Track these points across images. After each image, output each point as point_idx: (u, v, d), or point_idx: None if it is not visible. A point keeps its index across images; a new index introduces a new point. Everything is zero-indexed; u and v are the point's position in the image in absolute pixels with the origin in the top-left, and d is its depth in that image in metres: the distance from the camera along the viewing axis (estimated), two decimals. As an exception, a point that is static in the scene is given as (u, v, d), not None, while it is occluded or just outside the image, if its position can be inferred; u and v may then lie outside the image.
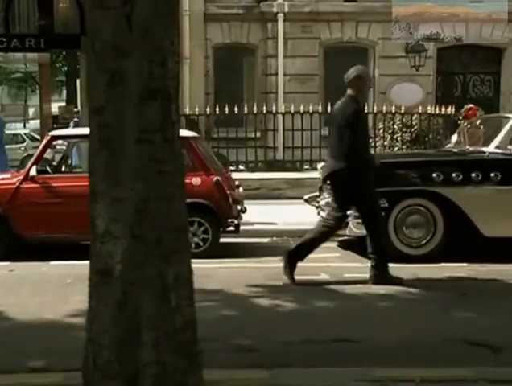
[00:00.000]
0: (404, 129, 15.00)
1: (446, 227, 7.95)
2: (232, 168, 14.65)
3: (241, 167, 14.68)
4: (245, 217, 9.46)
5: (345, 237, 8.97)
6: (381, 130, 15.04)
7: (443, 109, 15.08)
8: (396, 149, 14.62)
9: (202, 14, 17.55)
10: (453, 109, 15.10)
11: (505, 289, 6.86)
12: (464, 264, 7.83)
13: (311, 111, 14.70)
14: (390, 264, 7.58)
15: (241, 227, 9.65)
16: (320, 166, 8.46)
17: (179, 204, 2.61)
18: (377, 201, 7.01)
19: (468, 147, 8.86)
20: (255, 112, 15.19)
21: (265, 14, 17.55)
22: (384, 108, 15.25)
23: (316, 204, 8.72)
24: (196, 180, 8.09)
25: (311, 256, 8.11)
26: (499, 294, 6.64)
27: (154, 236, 2.52)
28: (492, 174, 7.90)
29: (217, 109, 15.41)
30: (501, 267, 7.70)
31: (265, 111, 15.20)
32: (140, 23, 2.49)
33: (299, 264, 7.68)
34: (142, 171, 2.51)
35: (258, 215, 10.49)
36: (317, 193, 9.17)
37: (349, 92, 6.89)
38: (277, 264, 7.77)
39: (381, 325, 5.52)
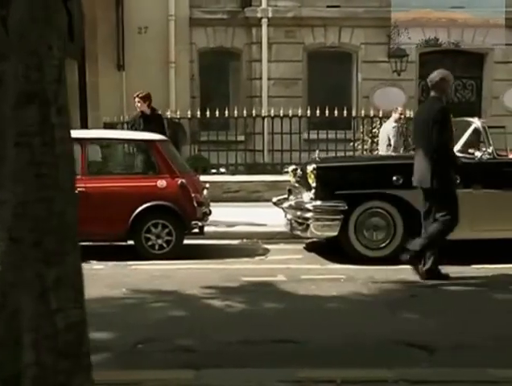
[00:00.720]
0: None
1: (405, 230, 7.92)
2: (213, 171, 14.72)
3: (222, 170, 14.68)
4: (218, 219, 9.49)
5: (314, 239, 8.97)
6: (363, 134, 15.00)
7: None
8: (376, 152, 14.59)
9: (187, 19, 17.51)
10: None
11: (454, 290, 6.83)
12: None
13: (294, 114, 14.69)
14: (349, 266, 7.62)
15: (213, 229, 9.70)
16: (290, 168, 8.44)
17: (63, 207, 2.58)
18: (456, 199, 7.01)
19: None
20: (240, 115, 15.17)
21: (249, 19, 17.52)
22: (363, 112, 15.26)
23: (282, 206, 8.68)
24: (161, 183, 8.11)
25: (272, 257, 8.16)
26: (447, 296, 6.66)
27: (32, 238, 2.51)
28: (452, 178, 7.85)
29: (199, 113, 15.45)
30: (458, 269, 7.68)
31: (249, 114, 15.19)
32: (16, 27, 2.48)
33: (258, 265, 7.71)
34: (21, 174, 2.50)
35: (233, 217, 10.55)
36: (286, 196, 9.16)
37: (434, 94, 7.10)
38: (237, 265, 7.79)
39: (325, 326, 5.53)
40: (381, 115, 14.79)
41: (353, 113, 15.67)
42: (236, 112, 15.09)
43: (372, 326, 5.52)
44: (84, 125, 16.98)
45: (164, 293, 6.53)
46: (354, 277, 7.29)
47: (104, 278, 7.17)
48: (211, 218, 8.88)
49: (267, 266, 7.84)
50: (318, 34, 17.89)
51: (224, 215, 10.78)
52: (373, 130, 15.04)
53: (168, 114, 14.60)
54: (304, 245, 9.13)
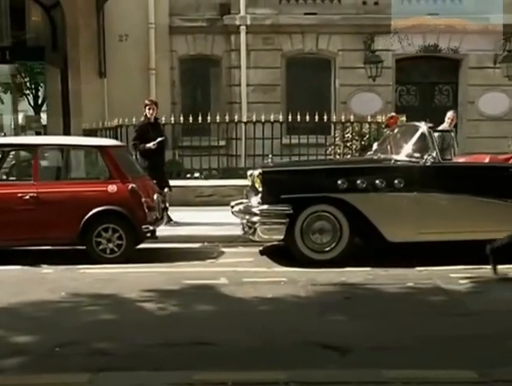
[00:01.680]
0: (357, 138, 14.92)
1: (351, 233, 7.91)
2: (188, 175, 14.72)
3: (196, 175, 14.68)
4: (187, 222, 9.88)
5: (271, 243, 8.95)
6: (337, 139, 14.99)
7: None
8: (348, 156, 14.57)
9: (167, 27, 17.56)
10: (404, 118, 15.02)
11: (391, 292, 6.80)
12: (368, 269, 7.78)
13: (273, 120, 14.68)
14: (296, 269, 7.61)
15: (175, 233, 9.71)
16: (249, 173, 8.43)
17: None
18: None
19: (379, 155, 8.82)
20: (220, 121, 15.17)
21: (228, 26, 17.55)
22: (334, 117, 15.25)
23: (233, 210, 8.65)
24: (112, 188, 8.11)
25: (223, 260, 8.16)
26: (382, 298, 6.63)
27: None
28: (395, 181, 7.87)
29: (182, 119, 15.43)
30: (401, 271, 7.68)
31: (229, 120, 15.20)
32: None
33: (205, 269, 7.71)
34: None
35: (200, 220, 10.57)
36: (244, 200, 9.15)
37: None
38: (185, 268, 7.79)
39: (249, 328, 5.52)
40: (352, 120, 14.69)
41: (331, 119, 15.62)
42: (217, 117, 15.05)
43: (295, 328, 5.50)
44: (67, 132, 17.03)
45: (102, 296, 6.52)
46: (296, 279, 7.27)
47: (48, 282, 7.18)
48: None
49: (214, 269, 7.83)
50: (296, 41, 17.90)
51: (192, 219, 10.83)
52: (346, 135, 15.00)
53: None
54: (260, 248, 9.08)
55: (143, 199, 8.11)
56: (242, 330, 5.46)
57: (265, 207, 7.87)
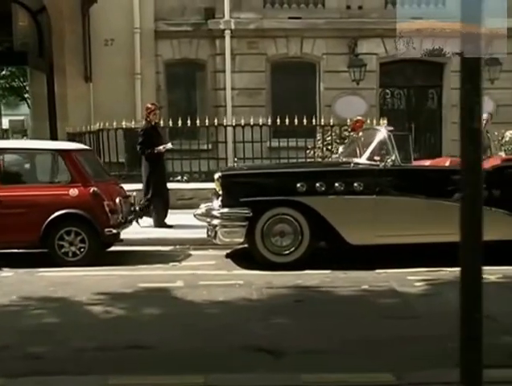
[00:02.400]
0: (338, 141, 14.86)
1: (312, 236, 7.86)
2: (170, 178, 14.65)
3: (178, 178, 14.64)
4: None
5: (241, 246, 8.89)
6: (314, 142, 14.96)
7: (380, 121, 14.94)
8: (328, 158, 14.51)
9: (152, 31, 17.56)
10: (385, 121, 14.98)
11: (343, 295, 6.75)
12: (327, 271, 7.73)
13: (259, 123, 14.66)
14: (256, 272, 7.57)
15: (147, 236, 9.68)
16: (216, 176, 8.39)
17: None
18: None
19: (342, 158, 8.78)
20: (205, 124, 15.15)
21: (212, 31, 17.54)
22: (318, 120, 15.20)
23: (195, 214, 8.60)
24: (74, 191, 8.09)
25: (186, 263, 8.12)
26: (333, 301, 6.58)
27: None
28: (355, 184, 7.82)
29: (169, 122, 15.42)
30: (360, 274, 7.63)
31: (214, 124, 15.17)
32: None
33: (164, 272, 7.67)
34: None
35: (175, 223, 10.52)
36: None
37: None
38: (145, 271, 7.75)
39: (190, 331, 5.46)
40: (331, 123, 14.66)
41: (316, 122, 15.57)
42: (205, 121, 15.03)
43: (235, 331, 5.46)
44: (54, 136, 17.04)
45: (52, 299, 6.48)
46: (252, 282, 7.22)
47: (4, 286, 7.16)
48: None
49: (174, 272, 7.79)
50: (280, 45, 17.88)
51: (169, 222, 10.77)
52: (328, 138, 14.95)
53: (133, 124, 14.66)
54: (228, 251, 9.04)
55: (106, 203, 8.07)
56: (182, 333, 5.42)
57: (225, 210, 7.83)
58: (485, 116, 12.70)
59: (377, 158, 8.10)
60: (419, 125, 18.49)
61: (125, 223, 8.56)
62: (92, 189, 8.06)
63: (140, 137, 11.01)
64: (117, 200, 8.22)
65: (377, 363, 4.64)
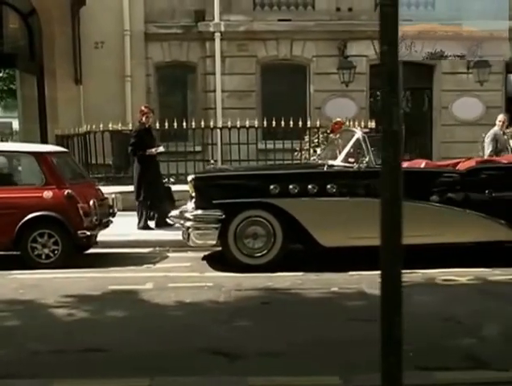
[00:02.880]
0: (325, 143, 14.81)
1: (285, 238, 7.83)
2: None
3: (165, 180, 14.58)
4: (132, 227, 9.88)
5: (217, 249, 8.85)
6: (300, 144, 14.92)
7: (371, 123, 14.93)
8: (313, 160, 14.43)
9: (142, 34, 17.52)
10: (373, 123, 14.96)
11: (310, 298, 6.73)
12: (300, 273, 7.70)
13: (248, 125, 14.63)
14: (228, 274, 7.54)
15: (128, 238, 9.66)
16: (189, 178, 8.35)
17: None
18: None
19: (318, 160, 8.75)
20: (196, 126, 15.12)
21: (203, 33, 17.50)
22: (306, 122, 15.16)
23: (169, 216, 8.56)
24: (48, 194, 8.08)
25: (160, 265, 8.10)
26: (299, 303, 6.55)
27: None
28: (328, 186, 7.79)
29: (160, 125, 15.39)
30: (332, 276, 7.60)
31: (204, 126, 15.15)
32: None
33: (136, 274, 7.65)
34: None
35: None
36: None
37: None
38: (117, 274, 7.73)
39: (149, 334, 5.44)
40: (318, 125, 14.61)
41: (306, 124, 15.53)
42: (193, 123, 15.02)
43: (196, 334, 5.44)
44: (44, 138, 17.04)
45: (19, 302, 6.47)
46: (223, 284, 7.20)
47: (-26, 288, 7.13)
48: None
49: (146, 274, 7.76)
50: (270, 48, 17.83)
51: (152, 224, 10.75)
52: (315, 140, 14.91)
53: (120, 126, 14.68)
54: (206, 253, 9.01)
55: (80, 205, 8.05)
56: (142, 335, 5.40)
57: (197, 212, 7.81)
58: (500, 117, 12.69)
59: (351, 159, 8.06)
60: (410, 126, 18.37)
61: (100, 225, 8.51)
62: (66, 191, 8.05)
63: (132, 138, 11.09)
64: (91, 202, 8.18)
65: (332, 365, 4.62)
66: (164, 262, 8.62)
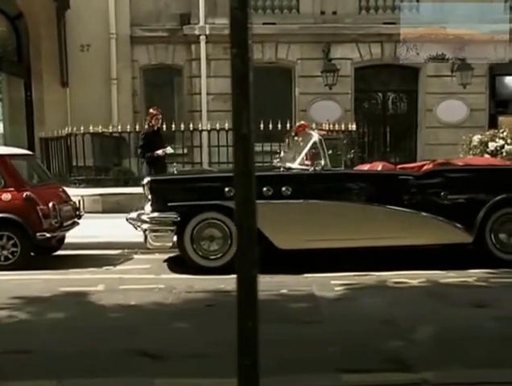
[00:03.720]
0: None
1: (241, 240, 7.77)
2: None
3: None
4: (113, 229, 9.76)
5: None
6: (279, 146, 14.83)
7: (351, 126, 14.93)
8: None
9: (128, 37, 17.57)
10: (353, 126, 14.95)
11: (259, 301, 6.65)
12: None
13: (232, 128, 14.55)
14: (184, 276, 7.52)
15: (95, 240, 9.64)
16: (145, 181, 8.33)
17: None
18: None
19: (277, 162, 8.73)
20: (181, 129, 15.12)
21: (188, 36, 17.53)
22: (290, 124, 15.13)
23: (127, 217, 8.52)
24: (6, 196, 8.09)
25: (120, 267, 8.09)
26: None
27: None
28: (283, 189, 7.76)
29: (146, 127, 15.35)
30: (286, 278, 7.57)
31: (189, 128, 15.14)
32: None
33: (91, 276, 7.64)
34: None
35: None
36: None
37: None
38: (73, 275, 7.73)
39: (81, 335, 5.42)
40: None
41: (291, 126, 15.48)
42: (179, 125, 15.00)
43: (130, 335, 5.43)
44: (31, 141, 17.09)
45: (-35, 304, 6.46)
46: (174, 286, 7.18)
47: None
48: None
49: (101, 276, 7.75)
50: (255, 51, 17.64)
51: (119, 226, 10.71)
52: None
53: (110, 128, 14.75)
54: (171, 255, 8.98)
55: (39, 207, 8.04)
56: (73, 336, 5.39)
57: (153, 214, 7.79)
58: None
59: (308, 162, 8.03)
60: (395, 129, 18.43)
61: (62, 227, 8.51)
62: (25, 193, 8.04)
63: (141, 140, 11.46)
64: (51, 205, 8.18)
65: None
66: (126, 264, 8.61)
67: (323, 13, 17.68)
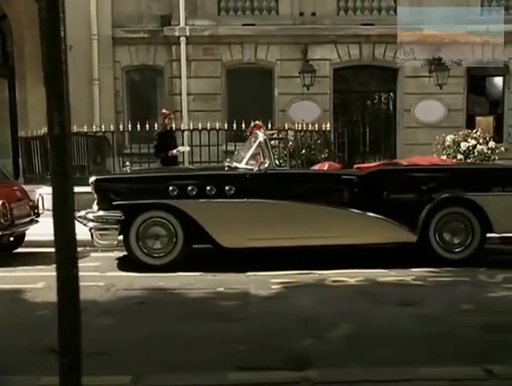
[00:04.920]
0: (282, 145, 14.78)
1: (186, 239, 7.80)
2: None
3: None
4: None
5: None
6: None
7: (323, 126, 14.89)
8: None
9: (110, 38, 17.58)
10: (327, 125, 14.92)
11: (190, 298, 6.69)
12: (198, 274, 7.67)
13: (211, 128, 14.60)
14: (128, 274, 7.52)
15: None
16: (91, 179, 8.32)
17: None
18: None
19: (226, 162, 8.73)
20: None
21: (168, 37, 17.51)
22: (272, 124, 15.08)
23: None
24: (-45, 195, 8.09)
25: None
26: (174, 303, 6.51)
27: None
28: (226, 188, 7.75)
29: (129, 126, 15.39)
30: (228, 276, 7.57)
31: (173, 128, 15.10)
32: None
33: (37, 273, 7.63)
34: None
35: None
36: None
37: None
38: (20, 273, 7.74)
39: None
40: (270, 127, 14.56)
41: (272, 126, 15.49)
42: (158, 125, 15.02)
43: (48, 332, 5.37)
44: (15, 140, 17.12)
45: None
46: (115, 284, 7.18)
47: None
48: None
49: (46, 273, 7.53)
50: (235, 52, 17.81)
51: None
52: (271, 142, 14.83)
53: (94, 128, 14.84)
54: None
55: (-12, 206, 8.05)
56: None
57: (99, 213, 7.78)
58: None
59: (253, 162, 8.02)
60: (374, 129, 18.40)
61: (14, 225, 8.51)
62: (-27, 192, 8.06)
63: (155, 140, 11.54)
64: (0, 203, 8.18)
65: (148, 364, 4.59)
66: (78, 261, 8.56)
67: (301, 14, 17.63)
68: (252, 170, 7.89)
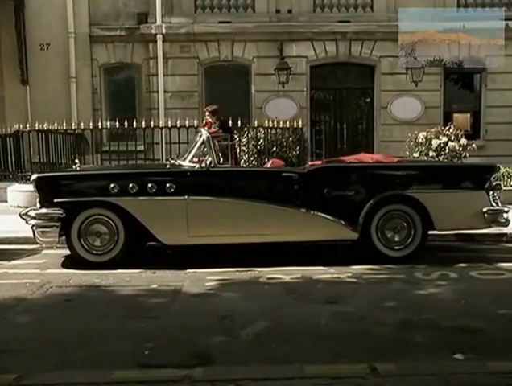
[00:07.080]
0: (254, 142, 14.78)
1: (127, 236, 7.80)
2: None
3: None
4: None
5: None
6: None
7: (298, 123, 14.89)
8: (242, 161, 14.40)
9: (87, 36, 17.61)
10: (300, 123, 14.90)
11: (120, 295, 6.66)
12: (138, 271, 7.68)
13: (192, 125, 14.60)
14: (74, 271, 7.53)
15: (15, 235, 9.65)
16: (33, 177, 8.31)
17: None
18: None
19: (171, 160, 8.74)
20: (139, 126, 15.15)
21: (145, 35, 17.51)
22: (250, 122, 15.07)
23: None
24: None
25: (18, 262, 8.08)
26: (101, 301, 6.49)
27: None
28: (167, 185, 7.74)
29: (108, 124, 15.40)
30: (167, 273, 7.57)
31: (147, 126, 15.13)
32: None
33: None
34: None
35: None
36: None
37: None
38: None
39: None
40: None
41: (249, 123, 15.50)
42: (141, 123, 15.02)
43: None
44: (-7, 137, 17.12)
45: None
46: (51, 281, 7.18)
47: None
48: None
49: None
50: (212, 49, 17.80)
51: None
52: (243, 139, 14.84)
53: (73, 126, 14.92)
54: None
55: None
56: None
57: (40, 211, 7.79)
58: None
59: (195, 159, 8.02)
60: (351, 126, 18.38)
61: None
62: None
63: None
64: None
65: (45, 362, 4.61)
66: (26, 258, 8.59)
67: (278, 11, 17.61)
68: (194, 167, 7.86)
